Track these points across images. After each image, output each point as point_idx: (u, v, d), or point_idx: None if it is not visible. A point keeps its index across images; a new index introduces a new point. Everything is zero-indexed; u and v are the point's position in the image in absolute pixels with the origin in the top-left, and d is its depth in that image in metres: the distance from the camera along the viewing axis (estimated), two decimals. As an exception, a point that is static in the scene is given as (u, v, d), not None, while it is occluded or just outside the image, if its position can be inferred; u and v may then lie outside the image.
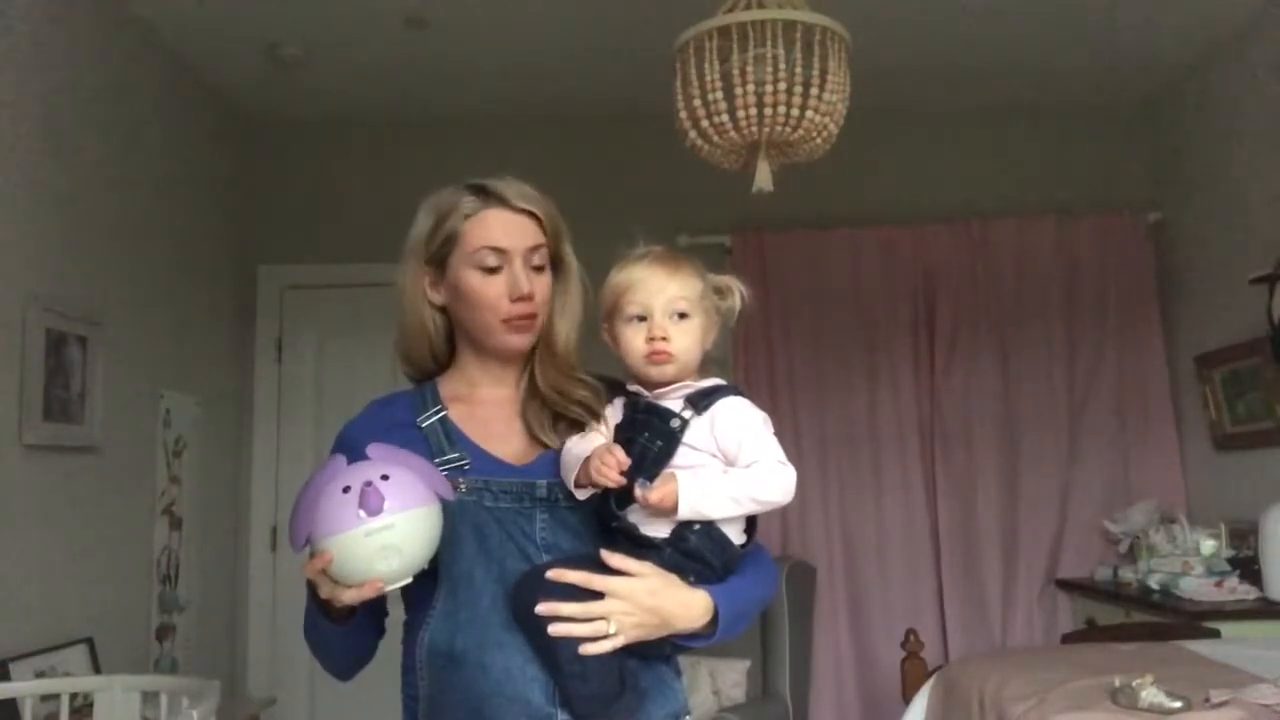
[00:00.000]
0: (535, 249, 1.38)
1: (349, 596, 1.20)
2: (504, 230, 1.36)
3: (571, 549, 1.31)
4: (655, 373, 1.32)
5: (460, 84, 3.97)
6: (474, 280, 1.36)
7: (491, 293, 1.36)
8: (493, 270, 1.36)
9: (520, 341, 1.39)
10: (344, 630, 1.30)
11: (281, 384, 4.25)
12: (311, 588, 1.25)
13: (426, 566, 1.25)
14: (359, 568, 1.18)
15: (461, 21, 3.47)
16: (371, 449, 1.25)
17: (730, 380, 1.37)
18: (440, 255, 1.38)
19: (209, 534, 3.78)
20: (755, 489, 1.25)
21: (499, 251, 1.35)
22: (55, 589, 2.83)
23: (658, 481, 1.23)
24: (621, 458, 1.24)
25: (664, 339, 1.30)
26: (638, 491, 1.23)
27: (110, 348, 3.09)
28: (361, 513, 1.16)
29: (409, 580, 1.22)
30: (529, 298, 1.36)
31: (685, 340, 1.31)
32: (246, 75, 3.83)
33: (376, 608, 1.35)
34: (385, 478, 1.19)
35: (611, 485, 1.23)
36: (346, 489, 1.18)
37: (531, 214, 1.38)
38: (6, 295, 2.65)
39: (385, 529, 1.16)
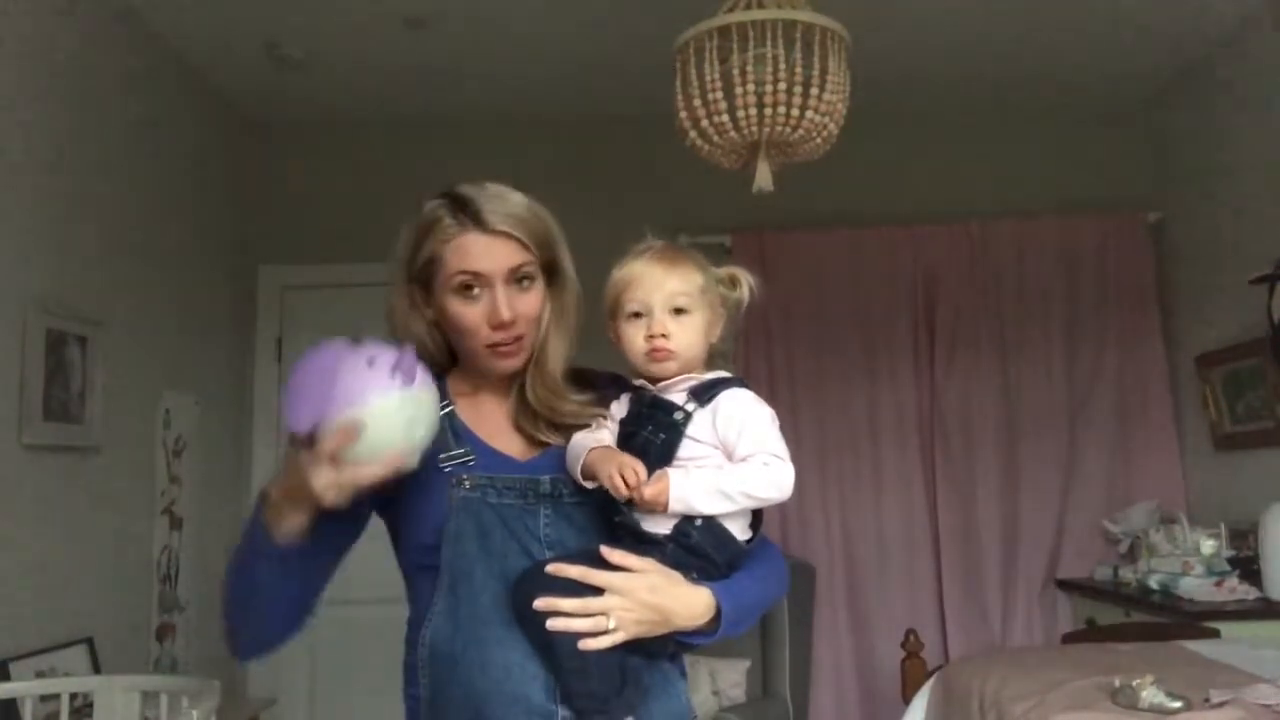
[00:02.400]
0: (518, 267, 1.33)
1: (370, 473, 1.15)
2: (483, 256, 1.30)
3: (576, 545, 1.30)
4: (657, 369, 1.31)
5: (460, 84, 3.97)
6: (455, 306, 1.32)
7: (472, 318, 1.32)
8: (472, 296, 1.31)
9: (507, 366, 1.36)
10: (293, 552, 1.22)
11: (281, 384, 4.25)
12: (261, 514, 1.21)
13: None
14: (391, 438, 1.14)
15: (461, 21, 3.47)
16: (367, 340, 1.21)
17: (736, 375, 1.36)
18: (424, 276, 1.34)
19: (209, 534, 3.78)
20: (747, 484, 1.24)
21: (477, 275, 1.31)
22: (55, 589, 2.83)
23: (651, 480, 1.23)
24: (642, 474, 1.22)
25: (663, 335, 1.29)
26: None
27: (110, 348, 3.09)
28: (398, 378, 1.14)
29: (413, 464, 1.20)
30: (509, 324, 1.32)
31: (686, 336, 1.30)
32: (246, 75, 3.83)
33: (336, 531, 1.28)
34: (412, 354, 1.19)
35: (620, 498, 1.23)
36: (371, 360, 1.15)
37: (510, 235, 1.31)
38: (6, 295, 2.65)
39: (415, 400, 1.16)
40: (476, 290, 1.31)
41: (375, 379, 1.14)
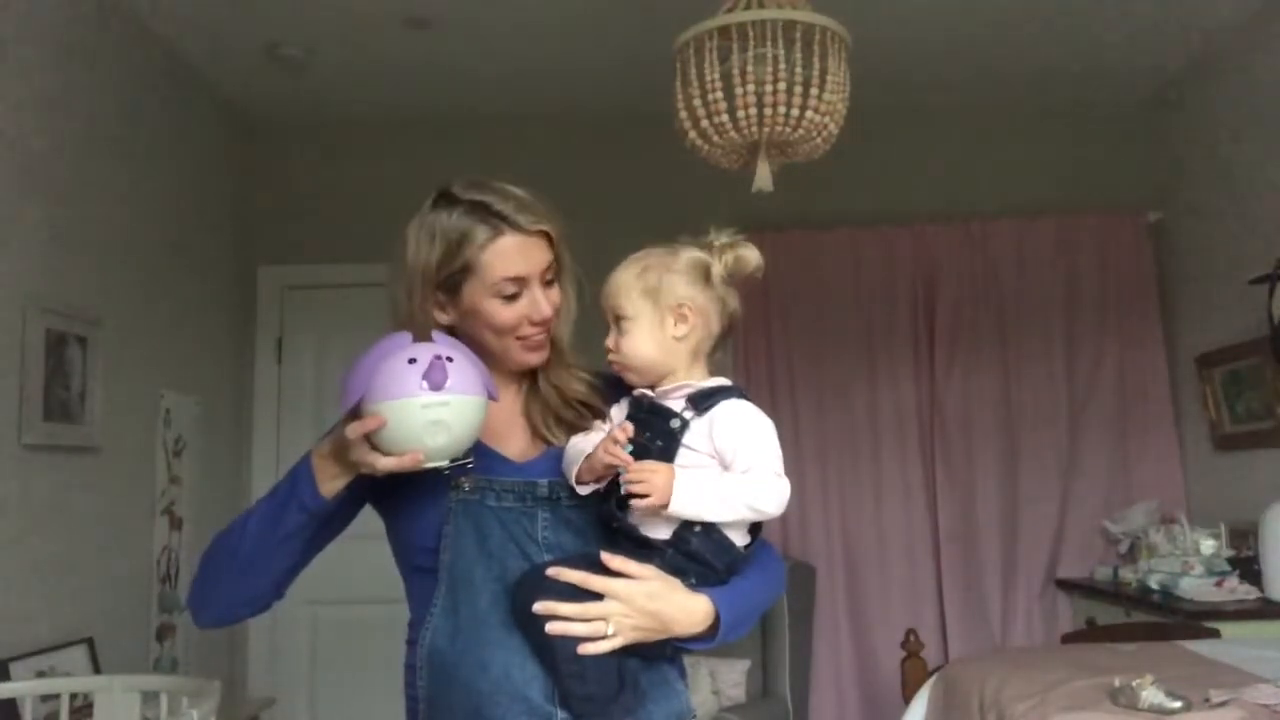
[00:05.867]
0: (550, 265, 1.37)
1: (386, 464, 1.22)
2: (522, 259, 1.33)
3: (574, 548, 1.31)
4: (626, 380, 1.33)
5: (460, 84, 3.97)
6: (494, 308, 1.35)
7: (511, 318, 1.35)
8: (513, 297, 1.35)
9: (536, 359, 1.40)
10: (323, 513, 1.28)
11: (281, 384, 4.25)
12: (308, 470, 1.27)
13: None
14: (407, 436, 1.21)
15: (461, 21, 3.47)
16: (436, 334, 1.28)
17: (733, 379, 1.36)
18: (454, 283, 1.35)
19: (209, 534, 3.77)
20: (749, 496, 1.23)
21: (519, 279, 1.34)
22: (55, 589, 2.83)
23: (655, 464, 1.23)
24: (629, 432, 1.24)
25: (611, 350, 1.31)
26: (633, 468, 1.22)
27: (110, 348, 3.09)
28: (424, 384, 1.20)
29: (445, 464, 1.25)
30: (548, 320, 1.37)
31: (629, 345, 1.31)
32: (246, 75, 3.83)
33: (333, 521, 1.33)
34: (449, 359, 1.23)
35: (620, 464, 1.23)
36: (412, 360, 1.22)
37: (544, 232, 1.36)
38: (6, 295, 2.65)
39: (441, 405, 1.20)
40: (516, 292, 1.34)
41: (404, 381, 1.21)
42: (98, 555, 3.05)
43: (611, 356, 1.32)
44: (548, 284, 1.38)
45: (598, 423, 1.36)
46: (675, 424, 1.27)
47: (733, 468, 1.25)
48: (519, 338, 1.37)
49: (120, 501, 3.20)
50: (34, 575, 2.74)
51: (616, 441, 1.24)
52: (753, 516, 1.26)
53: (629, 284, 1.32)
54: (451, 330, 1.39)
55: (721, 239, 1.38)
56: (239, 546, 1.32)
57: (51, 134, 2.88)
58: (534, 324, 1.36)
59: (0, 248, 2.65)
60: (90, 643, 2.90)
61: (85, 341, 2.97)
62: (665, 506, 1.21)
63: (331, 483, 1.27)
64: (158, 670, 3.35)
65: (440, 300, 1.37)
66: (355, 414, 1.23)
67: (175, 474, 3.54)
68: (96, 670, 2.85)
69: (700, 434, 1.27)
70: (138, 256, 3.33)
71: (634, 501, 1.22)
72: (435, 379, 1.20)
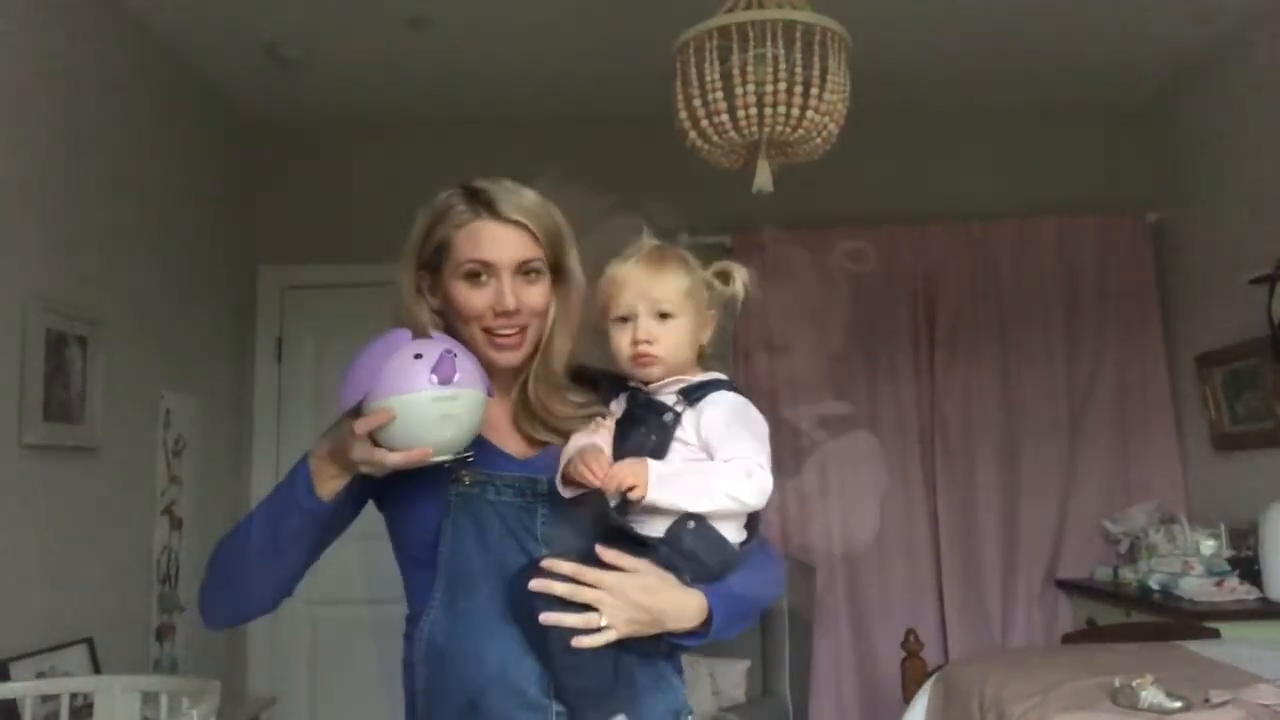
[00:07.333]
0: (527, 260, 1.35)
1: (394, 459, 1.21)
2: (492, 242, 1.33)
3: (573, 544, 1.30)
4: (642, 374, 1.32)
5: (460, 84, 3.97)
6: (460, 291, 1.34)
7: (477, 305, 1.34)
8: (479, 282, 1.34)
9: (507, 359, 1.37)
10: (323, 514, 1.28)
11: (281, 384, 4.25)
12: (305, 473, 1.26)
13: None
14: (416, 431, 1.21)
15: (461, 21, 3.47)
16: (434, 333, 1.29)
17: (732, 377, 1.36)
18: (433, 261, 1.36)
19: (209, 534, 3.78)
20: (729, 485, 1.23)
21: (487, 264, 1.33)
22: (55, 589, 2.83)
23: (628, 461, 1.23)
24: (605, 464, 1.23)
25: (647, 342, 1.29)
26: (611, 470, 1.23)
27: (110, 348, 3.09)
28: (434, 378, 1.21)
29: (449, 458, 1.25)
30: (514, 312, 1.34)
31: (670, 340, 1.30)
32: (246, 75, 3.83)
33: (332, 521, 1.32)
34: (454, 355, 1.24)
35: (588, 483, 1.23)
36: (419, 355, 1.22)
37: (523, 225, 1.34)
38: (6, 295, 2.65)
39: (450, 399, 1.21)
40: (484, 277, 1.34)
41: (414, 376, 1.21)
42: (98, 555, 3.05)
43: (648, 348, 1.29)
44: (528, 280, 1.35)
45: (598, 419, 1.36)
46: (668, 418, 1.28)
47: (716, 457, 1.25)
48: (485, 329, 1.35)
49: (120, 501, 3.20)
50: (34, 575, 2.74)
51: (587, 465, 1.23)
52: (734, 507, 1.25)
53: (681, 284, 1.31)
54: (444, 326, 1.39)
55: (718, 265, 1.38)
56: (243, 549, 1.32)
57: (51, 135, 2.88)
58: (499, 315, 1.34)
59: (1, 247, 2.65)
60: (90, 643, 2.90)
61: (85, 341, 2.97)
62: (643, 497, 1.22)
63: (330, 483, 1.27)
64: (158, 670, 3.35)
65: (428, 281, 1.38)
66: (357, 412, 1.23)
67: (175, 474, 3.54)
68: (96, 670, 2.85)
69: (690, 426, 1.27)
70: (137, 257, 3.33)
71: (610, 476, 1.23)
72: (444, 373, 1.21)
